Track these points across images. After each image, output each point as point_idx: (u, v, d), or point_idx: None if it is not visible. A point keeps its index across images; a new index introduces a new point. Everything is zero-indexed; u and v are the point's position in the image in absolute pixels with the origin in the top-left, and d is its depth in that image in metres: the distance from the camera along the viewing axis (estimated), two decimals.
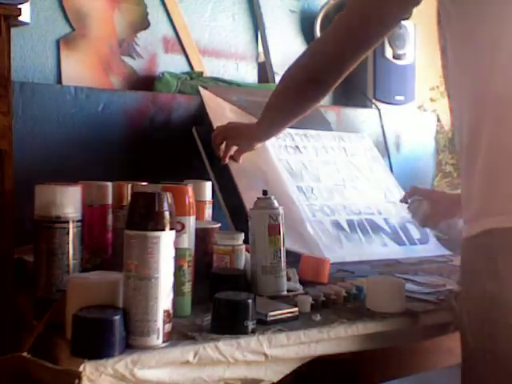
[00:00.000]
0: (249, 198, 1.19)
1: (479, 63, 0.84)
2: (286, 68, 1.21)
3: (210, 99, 1.54)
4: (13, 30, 0.93)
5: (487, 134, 0.82)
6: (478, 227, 0.82)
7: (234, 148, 1.38)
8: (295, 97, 1.20)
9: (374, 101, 1.93)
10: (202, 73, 1.67)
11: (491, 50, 0.82)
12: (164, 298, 0.73)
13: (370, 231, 1.44)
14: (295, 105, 1.23)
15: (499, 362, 0.79)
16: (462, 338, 0.87)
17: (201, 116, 1.52)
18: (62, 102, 1.37)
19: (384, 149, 1.90)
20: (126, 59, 1.61)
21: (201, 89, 1.55)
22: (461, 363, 0.87)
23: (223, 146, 1.37)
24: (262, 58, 1.86)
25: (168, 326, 0.74)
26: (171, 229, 0.75)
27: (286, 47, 1.89)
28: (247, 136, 1.38)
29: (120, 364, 0.69)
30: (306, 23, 1.94)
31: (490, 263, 0.80)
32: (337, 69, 1.12)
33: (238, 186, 1.33)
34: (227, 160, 1.38)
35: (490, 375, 0.81)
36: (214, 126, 1.42)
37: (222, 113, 1.52)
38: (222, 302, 0.81)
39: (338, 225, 1.41)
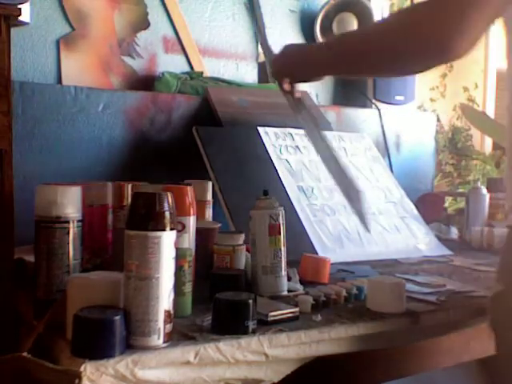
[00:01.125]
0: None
1: None
2: None
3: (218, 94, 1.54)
4: (13, 30, 0.92)
5: None
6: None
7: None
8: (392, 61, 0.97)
9: (374, 101, 1.93)
10: (201, 73, 1.67)
11: None
12: (165, 298, 0.73)
13: (370, 231, 1.44)
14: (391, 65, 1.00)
15: None
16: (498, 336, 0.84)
17: (201, 116, 1.52)
18: (62, 102, 1.37)
19: (384, 149, 1.90)
20: (126, 59, 1.61)
21: (209, 89, 1.56)
22: (493, 360, 0.84)
23: (287, 85, 1.21)
24: (262, 58, 1.86)
25: (169, 326, 0.74)
26: (172, 229, 0.74)
27: None
28: (311, 76, 1.21)
29: (121, 364, 0.69)
30: (306, 23, 1.94)
31: None
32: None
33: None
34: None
35: None
36: (222, 121, 1.40)
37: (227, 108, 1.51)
38: (223, 302, 0.80)
39: (338, 224, 1.41)
